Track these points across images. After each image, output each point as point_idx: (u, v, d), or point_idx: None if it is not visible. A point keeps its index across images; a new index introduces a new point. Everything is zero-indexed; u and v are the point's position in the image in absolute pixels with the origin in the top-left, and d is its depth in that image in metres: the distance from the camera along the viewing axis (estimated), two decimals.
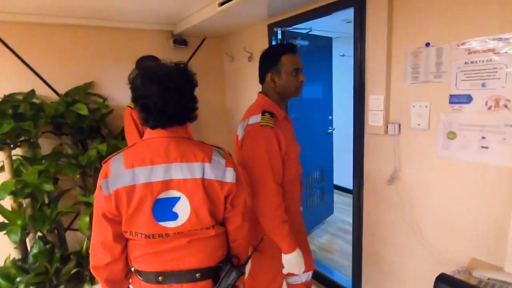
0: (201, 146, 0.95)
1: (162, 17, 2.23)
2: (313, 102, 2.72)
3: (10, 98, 1.89)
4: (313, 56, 2.57)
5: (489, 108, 1.22)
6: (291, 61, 1.27)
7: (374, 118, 1.59)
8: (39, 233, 1.94)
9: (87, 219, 1.89)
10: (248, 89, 2.60)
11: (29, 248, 1.94)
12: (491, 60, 1.19)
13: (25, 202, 1.91)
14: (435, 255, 1.47)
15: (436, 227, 1.45)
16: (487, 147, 1.24)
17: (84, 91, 2.15)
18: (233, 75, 2.78)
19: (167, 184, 0.87)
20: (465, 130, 1.30)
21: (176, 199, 0.89)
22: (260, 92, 1.37)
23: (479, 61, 1.22)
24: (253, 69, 2.50)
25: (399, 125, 1.52)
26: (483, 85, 1.22)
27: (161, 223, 0.88)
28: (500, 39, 1.15)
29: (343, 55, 3.68)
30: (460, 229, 1.36)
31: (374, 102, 1.57)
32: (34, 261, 1.84)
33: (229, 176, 0.94)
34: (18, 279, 1.78)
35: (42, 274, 1.84)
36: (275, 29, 2.20)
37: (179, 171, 0.88)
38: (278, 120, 1.28)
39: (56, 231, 2.07)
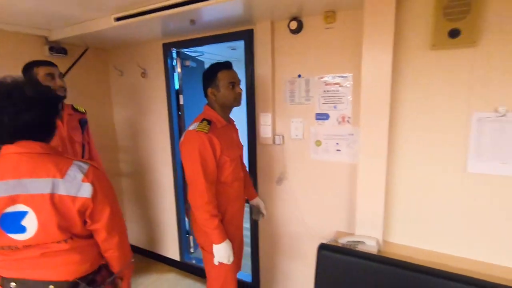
0: (57, 161, 0.97)
1: (35, 19, 1.96)
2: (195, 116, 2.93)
3: None
4: (196, 77, 2.80)
5: (339, 123, 1.76)
6: (226, 76, 1.47)
7: (264, 131, 1.95)
8: None
9: None
10: (143, 105, 2.57)
11: None
12: (338, 90, 1.73)
13: None
14: (314, 233, 1.92)
15: (313, 212, 1.91)
16: (340, 150, 1.78)
17: None
18: (123, 90, 2.67)
19: (13, 199, 0.91)
20: (326, 139, 1.80)
21: (24, 213, 0.92)
22: (206, 104, 1.55)
23: (331, 91, 1.75)
24: (147, 84, 2.51)
25: (283, 136, 1.93)
26: (335, 107, 1.75)
27: (10, 235, 0.93)
28: (342, 76, 1.71)
29: None
30: (328, 212, 1.86)
31: (264, 118, 1.94)
32: None
33: (84, 191, 0.97)
34: None
35: None
36: (171, 49, 2.32)
37: (27, 187, 0.92)
38: (217, 128, 1.47)
39: None
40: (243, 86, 1.57)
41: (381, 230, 1.59)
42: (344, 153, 1.77)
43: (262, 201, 1.91)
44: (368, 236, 1.60)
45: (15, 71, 1.34)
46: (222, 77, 1.47)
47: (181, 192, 2.60)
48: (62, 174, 0.95)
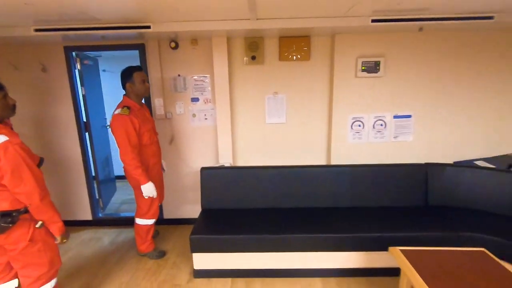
0: None
1: None
2: (95, 105, 3.60)
3: None
4: (93, 72, 3.49)
5: (205, 103, 3.06)
6: (139, 75, 2.38)
7: (159, 110, 3.03)
8: None
9: None
10: (43, 98, 3.06)
11: None
12: (202, 84, 3.02)
13: None
14: (194, 168, 3.19)
15: (192, 157, 3.17)
16: (207, 119, 3.09)
17: None
18: (22, 84, 3.03)
19: None
20: (198, 112, 3.08)
21: None
22: (124, 95, 2.41)
23: (199, 84, 3.02)
24: (48, 78, 3.03)
25: (171, 112, 3.07)
26: (201, 93, 3.04)
27: None
28: (204, 76, 3.00)
29: (104, 70, 4.67)
30: (201, 155, 3.16)
31: (158, 102, 3.01)
32: None
33: None
34: None
35: None
36: (71, 52, 2.97)
37: None
38: (133, 110, 2.35)
39: None
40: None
41: (231, 158, 3.03)
42: (209, 120, 3.10)
43: (163, 160, 2.97)
44: (225, 162, 3.01)
45: None
46: (136, 76, 2.40)
47: (90, 165, 3.30)
48: None
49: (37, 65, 2.99)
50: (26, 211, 1.63)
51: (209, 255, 2.39)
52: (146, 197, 2.49)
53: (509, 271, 1.66)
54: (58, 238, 1.78)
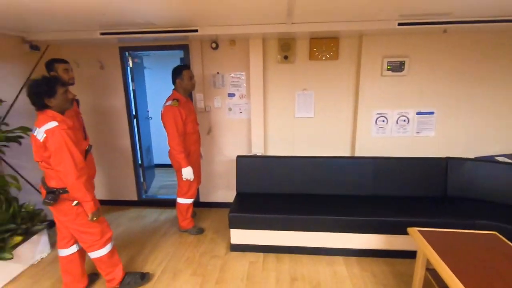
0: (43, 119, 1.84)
1: (19, 26, 2.69)
2: (140, 99, 4.03)
3: None
4: (140, 69, 3.91)
5: (240, 98, 3.39)
6: (187, 73, 2.76)
7: (199, 104, 3.39)
8: None
9: None
10: (100, 91, 3.51)
11: None
12: (238, 80, 3.34)
13: None
14: (228, 157, 3.54)
15: (227, 147, 3.52)
16: (241, 112, 3.42)
17: None
18: (83, 79, 3.49)
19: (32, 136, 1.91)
20: (234, 106, 3.41)
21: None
22: (173, 89, 2.79)
23: (235, 80, 3.34)
24: (104, 75, 3.46)
25: (210, 106, 3.42)
26: (237, 89, 3.37)
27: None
28: (240, 73, 3.32)
29: (145, 67, 5.12)
30: (235, 145, 3.50)
31: (198, 96, 3.37)
32: None
33: (41, 137, 1.82)
34: None
35: None
36: (125, 52, 3.39)
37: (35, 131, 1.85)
38: (181, 103, 2.74)
39: None
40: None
41: (263, 148, 3.35)
42: (243, 114, 3.42)
43: (202, 148, 3.32)
44: (257, 152, 3.33)
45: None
46: (185, 73, 2.78)
47: (137, 153, 3.73)
48: (40, 126, 1.82)
49: (95, 63, 3.43)
50: (66, 191, 1.94)
51: (245, 231, 2.73)
52: (185, 180, 2.87)
53: None
54: (90, 215, 1.99)
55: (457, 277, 1.61)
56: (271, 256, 2.73)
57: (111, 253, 2.21)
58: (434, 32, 2.90)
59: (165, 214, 3.65)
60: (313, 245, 2.70)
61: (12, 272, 2.47)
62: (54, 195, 1.94)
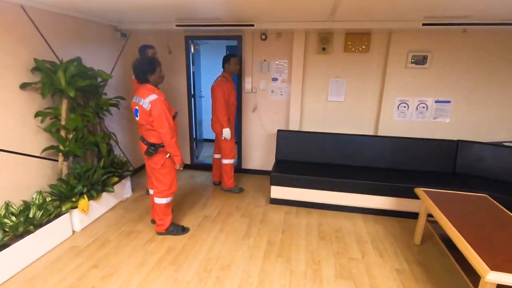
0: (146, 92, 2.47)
1: (111, 16, 3.48)
2: (196, 80, 4.79)
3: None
4: (197, 55, 4.65)
5: (282, 82, 4.04)
6: (234, 60, 3.47)
7: (247, 86, 4.09)
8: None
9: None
10: (168, 72, 4.29)
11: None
12: (281, 67, 3.98)
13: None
14: (269, 132, 4.23)
15: (269, 123, 4.20)
16: (282, 94, 4.07)
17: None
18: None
19: (136, 104, 2.49)
20: (276, 89, 4.07)
21: (136, 111, 2.56)
22: (223, 71, 3.50)
23: (279, 67, 3.99)
24: (172, 58, 4.23)
25: (256, 88, 4.11)
26: (280, 75, 4.01)
27: (136, 118, 2.53)
28: (284, 61, 3.96)
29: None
30: (276, 121, 4.17)
31: (247, 79, 4.06)
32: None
33: (147, 106, 2.41)
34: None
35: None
36: (189, 40, 4.13)
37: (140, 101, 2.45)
38: (228, 81, 3.46)
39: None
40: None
41: (298, 125, 4.00)
42: (283, 96, 4.07)
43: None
44: (294, 128, 3.99)
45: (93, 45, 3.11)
46: (233, 60, 3.48)
47: (193, 126, 4.52)
48: (145, 97, 2.42)
49: (165, 48, 4.20)
50: (162, 145, 2.55)
51: (282, 188, 3.43)
52: (223, 139, 3.53)
53: (501, 208, 2.41)
54: (178, 166, 2.64)
55: (452, 224, 2.11)
56: (302, 210, 3.43)
57: (169, 204, 2.77)
58: (455, 31, 3.37)
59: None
60: (338, 203, 3.35)
61: (111, 203, 3.35)
62: (155, 147, 2.58)
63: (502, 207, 2.43)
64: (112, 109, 3.48)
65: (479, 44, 3.41)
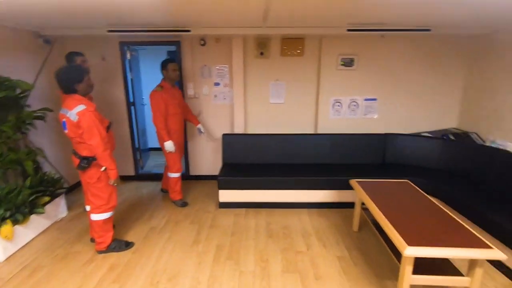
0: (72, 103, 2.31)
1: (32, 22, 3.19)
2: (136, 87, 4.59)
3: None
4: (135, 61, 4.47)
5: (224, 86, 4.08)
6: (172, 66, 3.36)
7: (190, 92, 4.05)
8: None
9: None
10: (102, 80, 4.05)
11: None
12: (222, 72, 4.03)
13: None
14: (215, 136, 4.23)
15: (213, 127, 4.21)
16: (225, 99, 4.11)
17: None
18: None
19: (63, 116, 2.30)
20: (219, 94, 4.10)
21: (64, 123, 2.34)
22: (163, 78, 3.39)
23: (220, 72, 4.03)
24: (106, 65, 4.00)
25: (200, 93, 4.09)
26: (221, 79, 4.05)
27: (65, 131, 2.35)
28: (224, 66, 4.01)
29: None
30: (221, 126, 4.20)
31: (189, 85, 4.02)
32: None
33: (74, 118, 2.24)
34: None
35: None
36: (124, 46, 3.95)
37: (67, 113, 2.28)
38: (165, 89, 3.34)
39: None
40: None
41: (243, 128, 4.08)
42: (226, 100, 4.12)
43: (200, 124, 3.95)
44: (239, 131, 4.06)
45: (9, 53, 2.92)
46: (170, 66, 3.37)
47: (135, 135, 4.32)
48: (71, 108, 2.24)
49: (97, 55, 3.96)
50: (95, 158, 2.40)
51: (230, 191, 3.46)
52: (167, 151, 3.39)
53: (420, 191, 2.75)
54: (112, 181, 2.47)
55: (378, 208, 2.34)
56: (252, 211, 3.49)
57: (108, 220, 2.61)
58: (375, 36, 3.76)
59: (159, 187, 4.29)
60: (284, 201, 3.49)
61: (43, 225, 3.04)
62: (88, 161, 2.42)
63: (420, 190, 2.77)
64: (39, 122, 3.17)
65: (396, 47, 3.86)
